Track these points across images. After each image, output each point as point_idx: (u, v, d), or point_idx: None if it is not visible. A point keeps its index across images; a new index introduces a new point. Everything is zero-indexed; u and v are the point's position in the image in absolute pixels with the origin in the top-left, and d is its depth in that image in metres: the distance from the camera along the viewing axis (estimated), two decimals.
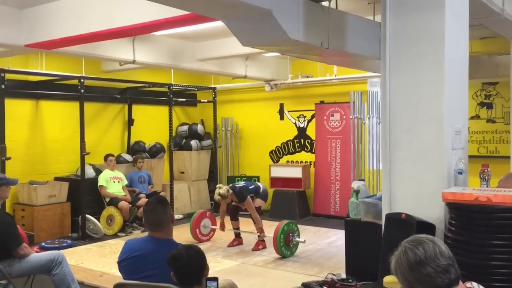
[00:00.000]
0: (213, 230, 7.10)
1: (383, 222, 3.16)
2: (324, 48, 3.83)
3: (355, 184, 3.94)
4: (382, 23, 3.27)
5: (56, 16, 5.12)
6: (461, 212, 2.66)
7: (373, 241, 3.36)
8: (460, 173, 3.08)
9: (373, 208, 3.61)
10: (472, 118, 7.23)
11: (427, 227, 2.89)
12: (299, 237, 6.20)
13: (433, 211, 3.01)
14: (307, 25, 3.58)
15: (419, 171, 3.11)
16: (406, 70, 3.18)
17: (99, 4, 4.75)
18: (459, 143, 3.22)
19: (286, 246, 6.07)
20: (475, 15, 3.82)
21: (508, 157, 5.89)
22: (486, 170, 2.94)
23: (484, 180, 2.93)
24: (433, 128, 3.08)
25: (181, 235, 6.91)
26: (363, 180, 4.78)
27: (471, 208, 2.59)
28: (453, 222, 2.71)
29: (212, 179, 9.80)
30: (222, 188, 6.35)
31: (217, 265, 5.80)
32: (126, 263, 2.97)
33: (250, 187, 6.56)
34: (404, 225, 2.91)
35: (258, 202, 6.61)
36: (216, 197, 6.36)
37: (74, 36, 5.00)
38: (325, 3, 3.89)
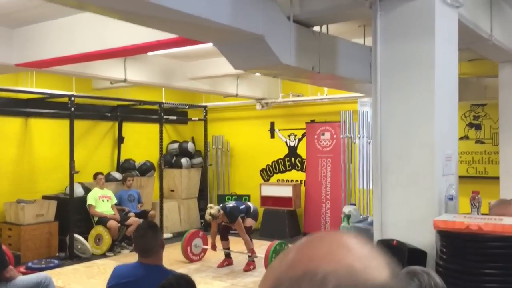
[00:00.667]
0: (204, 250, 7.04)
1: None
2: (315, 72, 3.86)
3: (347, 209, 3.94)
4: (373, 49, 3.31)
5: (47, 36, 5.11)
6: (452, 241, 2.66)
7: None
8: (451, 199, 3.10)
9: (364, 233, 3.60)
10: (461, 138, 7.28)
11: (419, 254, 2.89)
12: None
13: (424, 237, 3.01)
14: (299, 49, 3.61)
15: (410, 196, 3.12)
16: (397, 96, 3.20)
17: (91, 25, 4.75)
18: (450, 169, 3.24)
19: None
20: (464, 40, 3.87)
21: (497, 177, 5.93)
22: (476, 197, 2.95)
23: (474, 207, 2.94)
24: (424, 154, 3.10)
25: (171, 254, 6.83)
26: (354, 204, 4.78)
27: (462, 237, 2.59)
28: (444, 250, 2.71)
29: (203, 198, 9.75)
30: (213, 208, 6.32)
31: (207, 286, 5.74)
32: None
33: (241, 207, 6.53)
34: (396, 252, 2.90)
35: (249, 221, 6.57)
36: (207, 217, 6.32)
37: (65, 57, 4.99)
38: (316, 28, 3.92)
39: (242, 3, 3.09)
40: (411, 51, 3.16)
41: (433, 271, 1.70)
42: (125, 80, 6.58)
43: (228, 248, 6.68)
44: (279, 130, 9.43)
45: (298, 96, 8.82)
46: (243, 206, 6.60)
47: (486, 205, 5.98)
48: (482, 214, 3.09)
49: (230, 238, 6.70)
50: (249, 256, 6.47)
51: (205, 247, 7.00)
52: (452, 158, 3.26)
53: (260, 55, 3.44)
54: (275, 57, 3.41)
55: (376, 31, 3.25)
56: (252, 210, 6.62)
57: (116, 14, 3.02)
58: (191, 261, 6.84)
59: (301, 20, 3.68)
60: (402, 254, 2.85)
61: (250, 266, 6.43)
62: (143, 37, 4.40)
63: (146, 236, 2.90)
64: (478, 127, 7.42)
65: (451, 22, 3.33)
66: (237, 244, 6.76)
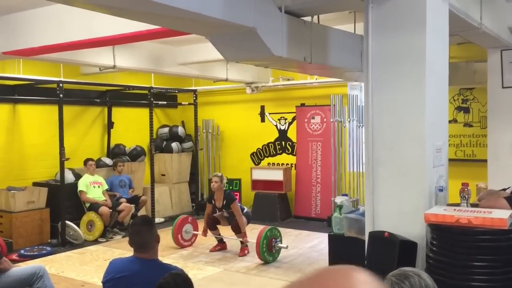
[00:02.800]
0: (195, 235, 7.10)
1: (366, 239, 3.21)
2: (307, 62, 3.86)
3: (339, 199, 3.99)
4: (364, 42, 3.31)
5: (34, 24, 5.03)
6: (442, 233, 2.72)
7: (357, 256, 3.41)
8: (441, 190, 3.15)
9: (356, 223, 3.66)
10: (449, 122, 7.32)
11: (410, 245, 2.95)
12: (281, 243, 6.25)
13: (415, 228, 3.07)
14: (291, 41, 3.60)
15: (401, 188, 3.17)
16: (389, 89, 3.22)
17: (79, 13, 4.64)
18: (440, 160, 3.29)
19: (268, 252, 6.12)
20: (453, 29, 3.88)
21: (485, 160, 6.01)
22: (466, 189, 3.01)
23: (464, 198, 3.00)
24: (415, 146, 3.14)
25: (163, 240, 6.81)
26: (346, 195, 4.84)
27: (452, 230, 2.65)
28: (434, 242, 2.77)
29: (193, 182, 9.79)
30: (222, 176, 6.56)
31: (200, 272, 5.81)
32: (111, 284, 2.96)
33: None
34: (387, 244, 2.96)
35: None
36: (215, 178, 6.50)
37: (53, 45, 4.92)
38: (307, 18, 3.91)
39: None
40: (402, 44, 3.17)
41: (424, 272, 1.74)
42: (114, 67, 6.53)
43: (219, 235, 6.76)
44: (269, 113, 9.44)
45: (288, 80, 8.81)
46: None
47: (474, 187, 6.07)
48: (471, 204, 3.15)
49: (220, 227, 6.76)
50: (241, 243, 6.54)
51: (196, 232, 7.06)
52: (442, 150, 3.31)
53: (251, 47, 3.42)
54: (267, 49, 3.40)
55: (367, 23, 3.25)
56: (245, 211, 6.68)
57: (104, 9, 2.98)
58: (182, 247, 6.89)
59: (293, 11, 3.66)
60: (393, 245, 2.91)
61: (244, 251, 6.51)
62: (132, 26, 4.35)
63: (142, 231, 2.93)
64: (466, 110, 7.48)
65: (442, 14, 3.34)
66: (227, 231, 6.82)
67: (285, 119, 9.28)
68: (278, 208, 8.67)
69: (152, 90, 8.63)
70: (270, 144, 9.46)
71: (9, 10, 5.11)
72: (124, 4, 2.68)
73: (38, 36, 5.00)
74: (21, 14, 5.11)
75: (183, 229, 6.99)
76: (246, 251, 6.52)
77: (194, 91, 9.56)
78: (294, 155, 9.09)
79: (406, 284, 1.68)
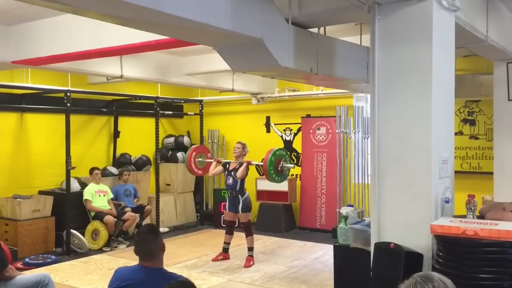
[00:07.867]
0: (209, 164, 7.08)
1: (371, 250, 3.20)
2: (313, 73, 3.88)
3: (344, 210, 3.98)
4: (371, 54, 3.33)
5: (43, 34, 5.09)
6: (448, 245, 2.71)
7: (362, 267, 3.40)
8: (447, 202, 3.14)
9: (361, 234, 3.65)
10: (455, 134, 7.31)
11: (415, 257, 2.94)
12: (288, 163, 6.30)
13: (421, 240, 3.06)
14: (297, 52, 3.63)
15: (407, 199, 3.17)
16: (395, 101, 3.23)
17: (87, 23, 4.70)
18: (446, 171, 3.28)
19: (276, 172, 6.18)
20: (460, 41, 3.90)
21: (491, 173, 5.99)
22: (472, 201, 3.00)
23: (470, 210, 2.99)
24: (421, 157, 3.13)
25: (167, 249, 6.85)
26: (352, 205, 4.82)
27: (458, 242, 2.64)
28: (440, 254, 2.76)
29: (198, 192, 9.80)
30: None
31: (204, 282, 5.79)
32: None
33: None
34: (393, 255, 2.95)
35: (244, 216, 6.67)
36: (238, 144, 6.75)
37: (61, 55, 4.97)
38: (314, 30, 3.94)
39: (242, 7, 3.10)
40: (408, 56, 3.18)
41: (449, 281, 1.72)
42: (121, 77, 6.57)
43: (229, 244, 6.77)
44: (275, 124, 9.46)
45: (294, 91, 8.84)
46: None
47: (480, 199, 6.04)
48: (477, 216, 3.14)
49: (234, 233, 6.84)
50: (248, 249, 6.55)
51: (209, 160, 7.11)
52: (448, 161, 3.30)
53: (259, 58, 3.45)
54: (274, 60, 3.43)
55: (374, 35, 3.27)
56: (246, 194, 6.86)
57: (113, 19, 3.02)
58: (193, 173, 7.21)
59: (300, 22, 3.70)
60: (399, 257, 2.90)
61: (250, 262, 6.50)
62: (140, 36, 4.39)
63: (147, 240, 2.93)
64: (472, 122, 7.48)
65: (448, 26, 3.35)
66: (235, 241, 6.84)
67: (291, 130, 9.29)
68: (283, 219, 8.65)
69: (158, 100, 8.69)
70: None
71: (18, 20, 5.17)
72: (133, 15, 2.71)
73: (47, 45, 5.05)
74: (30, 24, 5.17)
75: (197, 157, 7.07)
76: (251, 262, 6.51)
77: (200, 101, 9.61)
78: (299, 166, 9.08)
79: (429, 286, 1.68)
